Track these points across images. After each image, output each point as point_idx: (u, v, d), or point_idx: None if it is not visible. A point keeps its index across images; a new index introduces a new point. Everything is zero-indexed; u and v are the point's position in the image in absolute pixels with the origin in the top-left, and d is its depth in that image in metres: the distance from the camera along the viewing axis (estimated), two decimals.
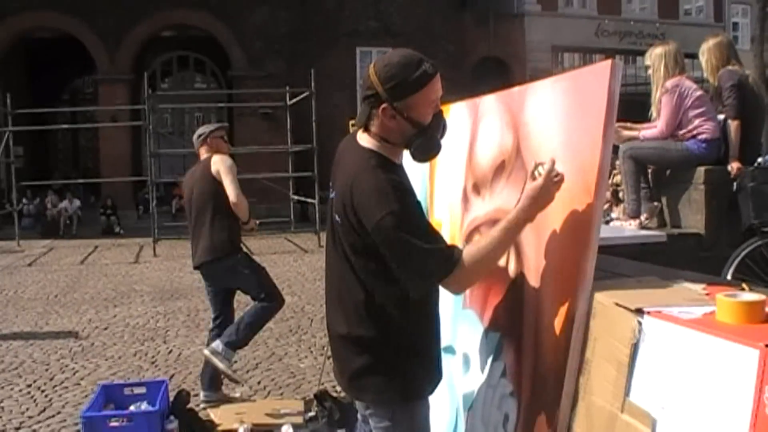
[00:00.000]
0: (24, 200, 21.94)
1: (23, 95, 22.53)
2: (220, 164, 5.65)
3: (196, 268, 5.88)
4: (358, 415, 2.99)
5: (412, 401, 2.66)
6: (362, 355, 2.61)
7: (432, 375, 2.72)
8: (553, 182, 2.43)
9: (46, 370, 6.97)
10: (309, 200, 18.16)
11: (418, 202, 2.48)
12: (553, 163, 2.44)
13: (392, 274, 2.46)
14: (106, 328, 8.64)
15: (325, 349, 7.31)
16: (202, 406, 5.76)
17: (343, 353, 2.69)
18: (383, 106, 2.47)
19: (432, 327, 2.70)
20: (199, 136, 5.96)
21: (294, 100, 18.96)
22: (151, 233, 16.40)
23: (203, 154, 5.91)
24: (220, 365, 5.55)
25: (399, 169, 2.57)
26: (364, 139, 2.58)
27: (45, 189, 22.43)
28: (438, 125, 2.53)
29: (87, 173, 29.80)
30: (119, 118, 21.36)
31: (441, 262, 2.38)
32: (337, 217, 2.58)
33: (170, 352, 7.56)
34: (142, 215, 21.73)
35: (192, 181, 5.85)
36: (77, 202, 21.63)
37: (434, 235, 2.42)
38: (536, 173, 2.48)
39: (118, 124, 21.17)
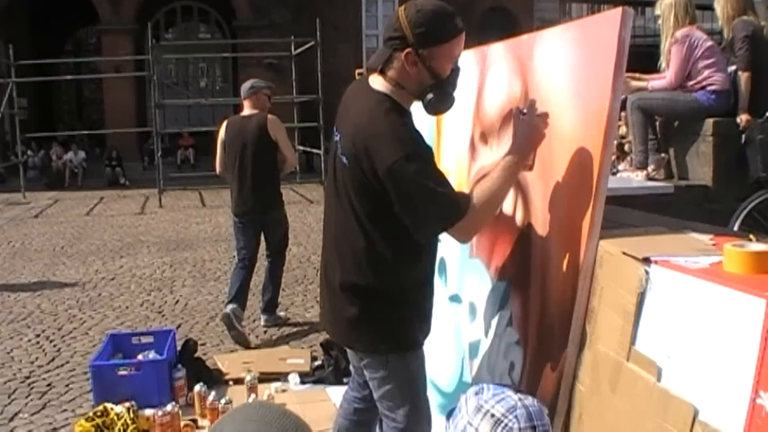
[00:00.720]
0: (29, 152, 22.00)
1: (26, 46, 22.38)
2: (278, 129, 6.36)
3: (240, 215, 6.41)
4: (350, 367, 2.99)
5: (407, 351, 2.68)
6: (357, 305, 2.62)
7: (425, 326, 2.75)
8: (540, 120, 2.50)
9: (55, 320, 7.06)
10: (314, 151, 18.14)
11: (429, 148, 2.51)
12: (534, 102, 2.56)
13: (395, 223, 2.46)
14: (113, 279, 8.73)
15: None
16: (208, 354, 5.84)
17: (337, 302, 2.69)
18: (407, 50, 2.45)
19: (428, 278, 2.72)
20: (251, 88, 6.44)
21: (299, 51, 18.82)
22: (157, 184, 16.46)
23: (247, 107, 6.48)
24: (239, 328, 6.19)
25: (409, 116, 2.56)
26: (378, 83, 2.56)
27: (50, 141, 22.42)
28: (455, 81, 2.55)
29: (91, 125, 29.79)
30: (123, 69, 21.24)
31: (452, 207, 2.40)
32: (344, 159, 2.55)
33: (177, 302, 7.64)
34: (147, 166, 21.67)
35: (244, 136, 6.36)
36: (82, 154, 21.68)
37: (445, 181, 2.43)
38: (521, 115, 2.57)
39: (121, 74, 21.07)
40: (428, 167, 2.41)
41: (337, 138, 2.67)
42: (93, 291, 8.16)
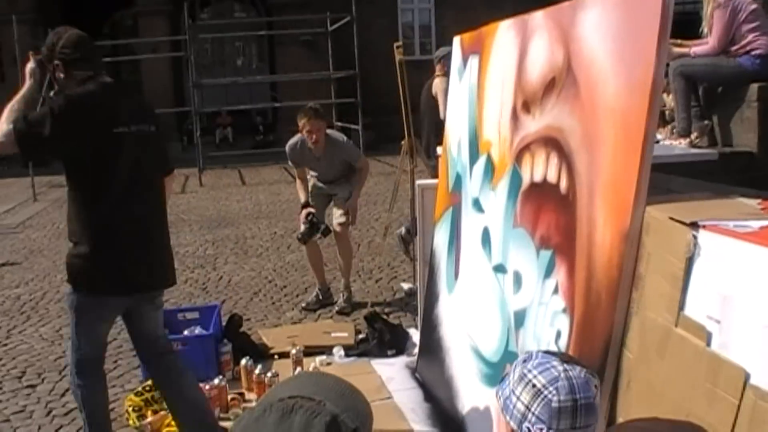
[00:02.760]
0: None
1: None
2: (438, 87, 7.56)
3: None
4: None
5: None
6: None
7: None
8: None
9: None
10: (352, 126, 18.11)
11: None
12: None
13: None
14: None
15: (375, 272, 7.41)
16: (253, 329, 5.90)
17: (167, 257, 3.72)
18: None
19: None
20: (440, 55, 7.86)
21: (334, 26, 18.76)
22: (197, 163, 16.48)
23: (437, 71, 7.85)
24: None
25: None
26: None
27: None
28: None
29: None
30: (160, 50, 21.28)
31: None
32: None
33: (220, 278, 7.70)
34: (186, 146, 21.71)
35: (424, 96, 7.91)
36: None
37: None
38: None
39: (158, 55, 21.11)
40: None
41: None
42: None
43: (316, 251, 6.70)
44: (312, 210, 6.36)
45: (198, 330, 5.29)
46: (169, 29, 22.01)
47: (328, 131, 6.49)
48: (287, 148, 6.55)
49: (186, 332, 5.26)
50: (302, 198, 6.52)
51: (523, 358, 2.00)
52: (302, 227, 6.39)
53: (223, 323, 5.52)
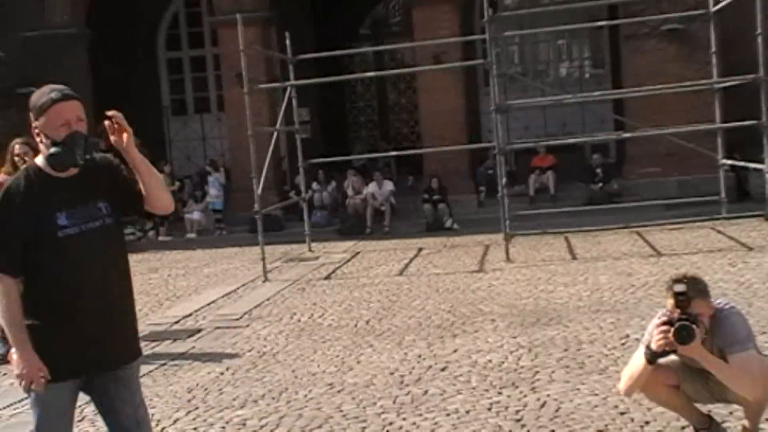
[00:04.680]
0: (314, 185, 23.02)
1: (307, 34, 23.66)
2: None
3: None
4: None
5: None
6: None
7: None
8: None
9: (363, 429, 7.26)
10: (750, 165, 17.38)
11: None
12: None
13: None
14: (443, 369, 8.87)
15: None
16: None
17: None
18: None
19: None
20: None
21: (721, 4, 18.10)
22: (501, 227, 16.49)
23: None
24: None
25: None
26: None
27: (343, 168, 23.37)
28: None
29: (401, 142, 30.68)
30: (445, 58, 21.61)
31: None
32: None
33: (543, 405, 7.64)
34: (484, 201, 21.84)
35: None
36: (389, 185, 22.46)
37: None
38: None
39: (443, 66, 21.29)
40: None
41: None
42: (415, 386, 8.30)
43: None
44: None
45: None
46: (458, 26, 22.36)
47: None
48: None
49: None
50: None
51: None
52: (655, 338, 5.99)
53: None
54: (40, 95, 4.76)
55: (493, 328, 10.48)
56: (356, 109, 33.79)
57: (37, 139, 4.81)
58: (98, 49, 24.72)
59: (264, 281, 15.38)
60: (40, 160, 4.87)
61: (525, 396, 7.86)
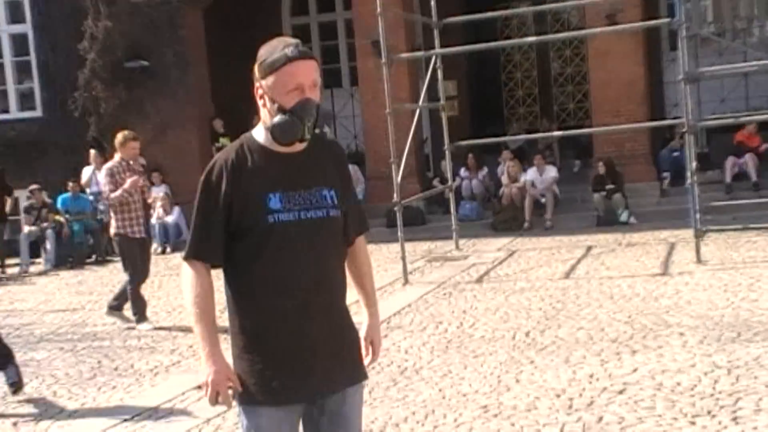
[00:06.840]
0: (462, 171, 22.89)
1: None
2: None
3: None
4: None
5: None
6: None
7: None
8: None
9: None
10: None
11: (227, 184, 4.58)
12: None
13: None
14: (621, 392, 8.61)
15: None
16: None
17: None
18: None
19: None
20: None
21: None
22: (690, 221, 15.53)
23: None
24: None
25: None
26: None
27: (494, 151, 23.27)
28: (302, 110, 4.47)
29: (566, 120, 30.08)
30: (621, 17, 20.50)
31: (189, 242, 4.56)
32: None
33: None
34: (668, 189, 20.91)
35: None
36: (552, 171, 21.84)
37: (207, 218, 4.52)
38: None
39: (618, 26, 20.10)
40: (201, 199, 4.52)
41: None
42: (587, 412, 8.09)
43: None
44: None
45: None
46: None
47: None
48: None
49: None
50: None
51: None
52: None
53: None
54: (271, 49, 4.35)
55: (682, 344, 10.12)
56: (512, 82, 32.60)
57: (260, 103, 4.45)
58: (214, 17, 24.69)
59: (404, 284, 15.14)
60: (258, 131, 4.52)
61: (725, 428, 7.61)
